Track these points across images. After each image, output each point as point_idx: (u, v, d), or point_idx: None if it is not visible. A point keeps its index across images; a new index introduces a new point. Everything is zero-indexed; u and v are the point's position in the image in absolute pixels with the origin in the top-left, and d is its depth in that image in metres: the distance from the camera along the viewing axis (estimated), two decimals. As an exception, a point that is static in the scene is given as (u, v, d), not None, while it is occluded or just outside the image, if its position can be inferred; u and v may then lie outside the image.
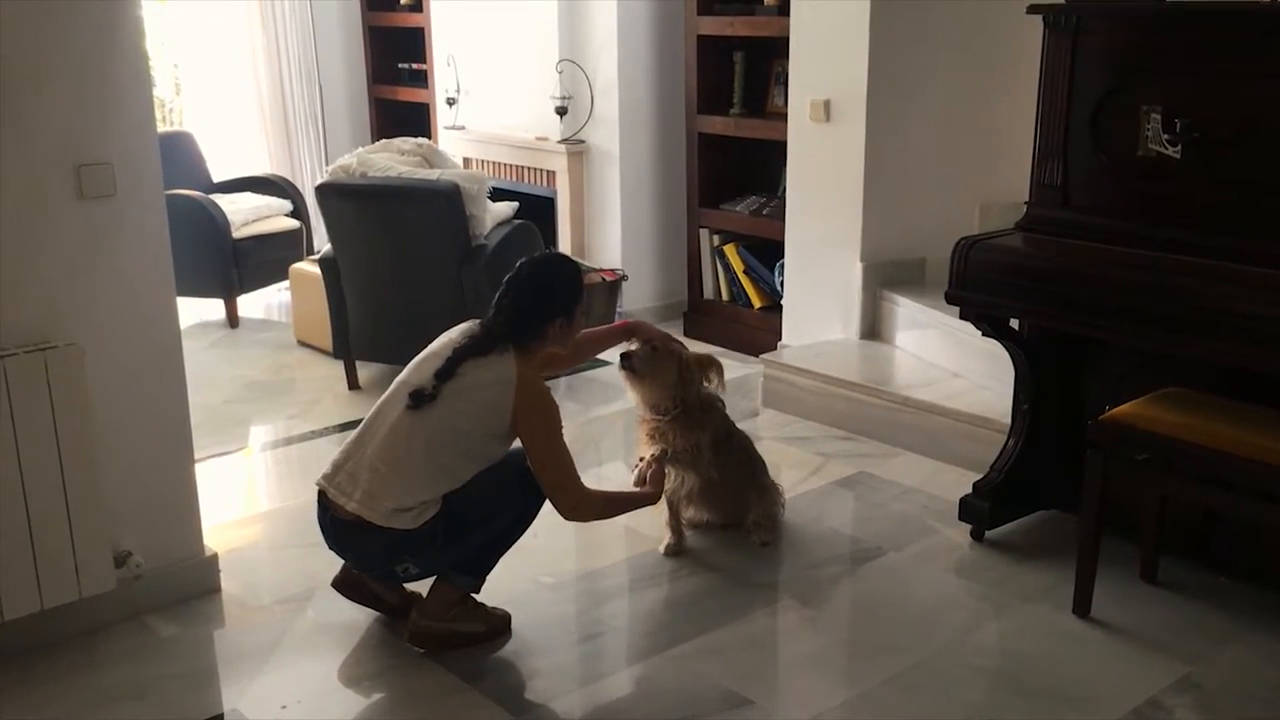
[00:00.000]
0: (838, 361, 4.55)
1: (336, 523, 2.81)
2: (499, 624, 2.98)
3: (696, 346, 5.44)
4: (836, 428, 4.38)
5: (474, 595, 2.96)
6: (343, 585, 3.02)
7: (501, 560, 2.93)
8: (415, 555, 2.81)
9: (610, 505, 3.11)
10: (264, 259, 6.03)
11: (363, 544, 2.82)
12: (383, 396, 2.88)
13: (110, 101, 2.80)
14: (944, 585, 3.25)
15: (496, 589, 2.99)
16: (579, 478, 2.90)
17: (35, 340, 2.73)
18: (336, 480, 2.80)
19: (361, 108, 7.47)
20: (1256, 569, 3.11)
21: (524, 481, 2.85)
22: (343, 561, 2.98)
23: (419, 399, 2.76)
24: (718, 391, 3.39)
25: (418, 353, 2.91)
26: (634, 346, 3.26)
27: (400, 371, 2.92)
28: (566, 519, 2.94)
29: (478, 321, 2.91)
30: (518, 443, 2.87)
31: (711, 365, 3.35)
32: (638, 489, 3.19)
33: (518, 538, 2.93)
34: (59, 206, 2.76)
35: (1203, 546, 3.20)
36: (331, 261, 4.85)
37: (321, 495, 2.84)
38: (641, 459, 3.28)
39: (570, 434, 3.63)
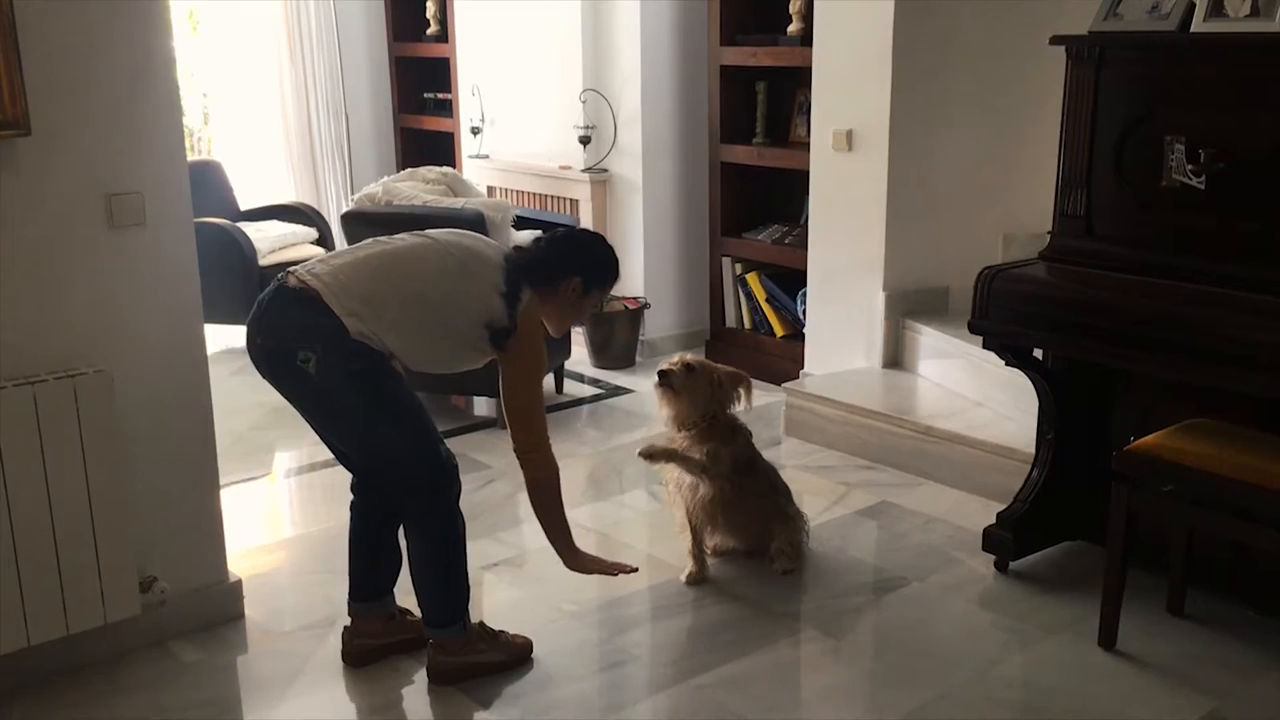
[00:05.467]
0: (860, 390, 4.54)
1: (280, 291, 2.70)
2: (520, 652, 2.97)
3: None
4: (859, 457, 4.37)
5: (488, 625, 2.95)
6: (354, 658, 2.96)
7: (523, 587, 2.92)
8: (325, 355, 2.62)
9: (556, 503, 2.90)
10: (290, 286, 6.06)
11: (291, 314, 2.66)
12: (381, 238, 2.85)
13: (141, 131, 2.84)
14: (968, 616, 3.23)
15: (518, 617, 2.98)
16: (546, 428, 2.85)
17: (65, 366, 2.77)
18: (310, 268, 2.75)
19: (387, 137, 7.54)
20: (1285, 602, 3.08)
21: (435, 483, 2.76)
22: (343, 596, 2.95)
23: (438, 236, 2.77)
24: (745, 407, 3.48)
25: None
26: (669, 365, 3.36)
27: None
28: (520, 458, 2.84)
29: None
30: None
31: (741, 381, 3.46)
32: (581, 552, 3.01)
33: (448, 559, 2.82)
34: (90, 235, 2.80)
35: (1231, 579, 3.16)
36: (356, 289, 4.87)
37: (278, 278, 2.75)
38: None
39: (593, 461, 3.63)
